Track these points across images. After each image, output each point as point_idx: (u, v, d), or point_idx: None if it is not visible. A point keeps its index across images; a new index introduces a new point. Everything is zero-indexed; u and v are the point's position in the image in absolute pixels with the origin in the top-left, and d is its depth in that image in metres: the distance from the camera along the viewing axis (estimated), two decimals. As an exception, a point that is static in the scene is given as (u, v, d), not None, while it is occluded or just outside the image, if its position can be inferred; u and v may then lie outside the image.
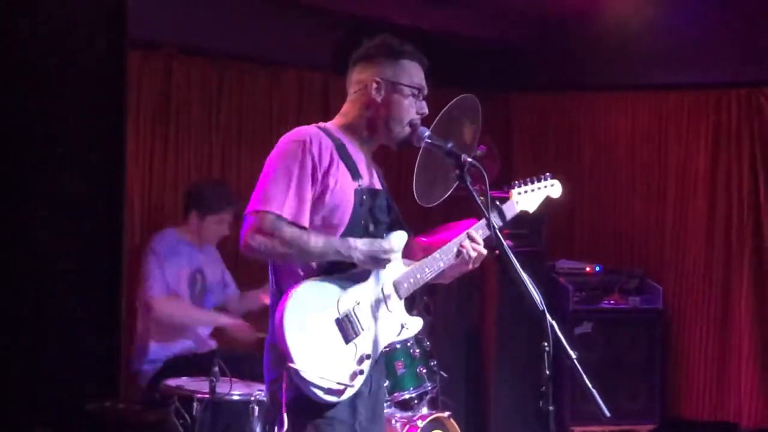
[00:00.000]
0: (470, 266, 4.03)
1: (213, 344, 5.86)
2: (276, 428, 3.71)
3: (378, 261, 3.76)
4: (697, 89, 8.85)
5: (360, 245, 3.70)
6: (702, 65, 8.59)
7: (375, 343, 3.89)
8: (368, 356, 3.83)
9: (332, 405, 3.72)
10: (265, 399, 4.54)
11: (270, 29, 7.26)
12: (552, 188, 4.51)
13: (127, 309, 5.70)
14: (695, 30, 8.42)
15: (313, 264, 3.75)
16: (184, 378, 5.55)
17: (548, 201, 4.52)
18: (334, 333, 3.75)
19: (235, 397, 5.31)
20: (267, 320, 3.88)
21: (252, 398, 5.03)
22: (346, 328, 3.77)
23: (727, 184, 8.74)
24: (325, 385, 3.68)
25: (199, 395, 5.31)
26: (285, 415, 3.67)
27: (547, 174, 4.53)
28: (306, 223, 3.69)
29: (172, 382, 5.52)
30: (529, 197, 4.41)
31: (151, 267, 5.88)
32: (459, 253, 3.98)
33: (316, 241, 3.66)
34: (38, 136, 1.34)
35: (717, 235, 8.76)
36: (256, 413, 5.00)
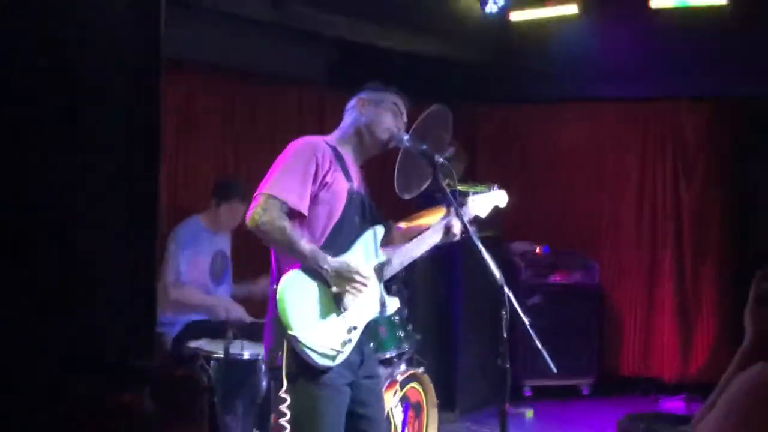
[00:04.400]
0: (456, 239, 4.12)
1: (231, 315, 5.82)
2: (277, 389, 3.72)
3: (342, 277, 3.72)
4: (629, 102, 8.91)
5: (336, 262, 3.70)
6: (634, 82, 8.62)
7: (360, 317, 3.88)
8: (355, 328, 3.83)
9: (327, 369, 3.70)
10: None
11: (274, 51, 7.23)
12: (499, 198, 4.56)
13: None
14: (629, 53, 8.44)
15: None
16: (202, 341, 5.55)
17: (497, 209, 4.59)
18: (326, 308, 3.75)
19: (246, 357, 5.31)
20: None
21: (259, 357, 5.01)
22: (338, 304, 3.76)
23: (653, 180, 8.85)
24: (320, 350, 3.67)
25: (216, 355, 5.33)
26: (285, 376, 3.68)
27: (496, 185, 4.59)
28: (305, 210, 3.72)
29: (193, 344, 5.56)
30: (480, 202, 4.45)
31: (170, 255, 5.86)
32: (448, 230, 4.07)
33: (303, 246, 3.65)
34: (91, 142, 1.32)
35: (644, 222, 8.86)
36: (263, 370, 4.98)
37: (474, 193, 4.43)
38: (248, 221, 3.67)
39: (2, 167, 1.45)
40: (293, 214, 3.72)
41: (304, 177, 3.72)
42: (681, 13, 8.01)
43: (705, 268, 8.68)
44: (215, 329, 5.57)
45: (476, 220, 4.43)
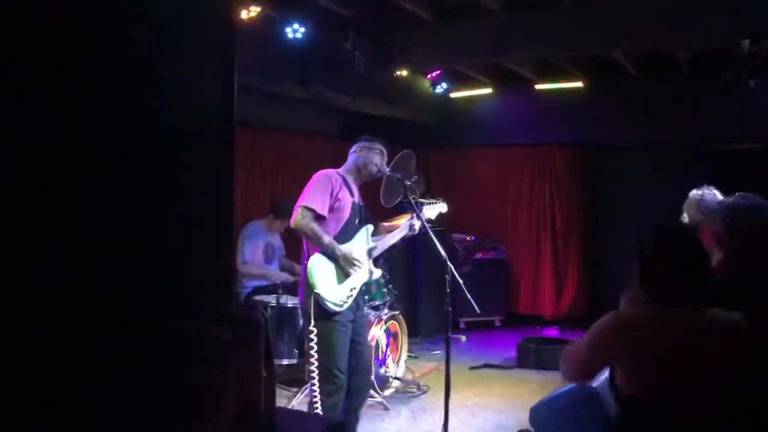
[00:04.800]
0: (417, 232, 4.13)
1: (278, 281, 5.74)
2: (308, 325, 3.76)
3: (347, 259, 3.77)
4: (522, 146, 8.80)
5: (344, 250, 3.77)
6: (525, 134, 8.56)
7: (357, 281, 3.88)
8: (354, 288, 3.85)
9: (338, 312, 3.74)
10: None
11: (303, 114, 7.15)
12: (442, 206, 4.52)
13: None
14: (522, 116, 8.43)
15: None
16: (263, 296, 5.50)
17: (441, 215, 4.56)
18: (337, 276, 3.79)
19: (290, 305, 5.26)
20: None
21: (298, 306, 4.92)
22: (345, 274, 3.81)
23: (537, 196, 8.76)
24: (333, 301, 3.72)
25: (271, 304, 5.33)
26: (312, 317, 3.73)
27: (441, 199, 4.59)
28: (326, 215, 3.76)
29: (257, 297, 5.57)
30: (431, 210, 4.43)
31: (240, 244, 5.81)
32: (411, 227, 4.09)
33: (326, 240, 3.72)
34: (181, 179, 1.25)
35: (532, 220, 8.80)
36: (300, 315, 4.89)
37: (428, 204, 4.43)
38: (293, 224, 3.75)
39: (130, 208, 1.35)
40: (319, 217, 3.74)
41: (324, 194, 3.76)
42: (554, 91, 8.02)
43: (569, 247, 8.65)
44: (270, 289, 5.56)
45: (428, 221, 4.42)
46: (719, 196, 3.79)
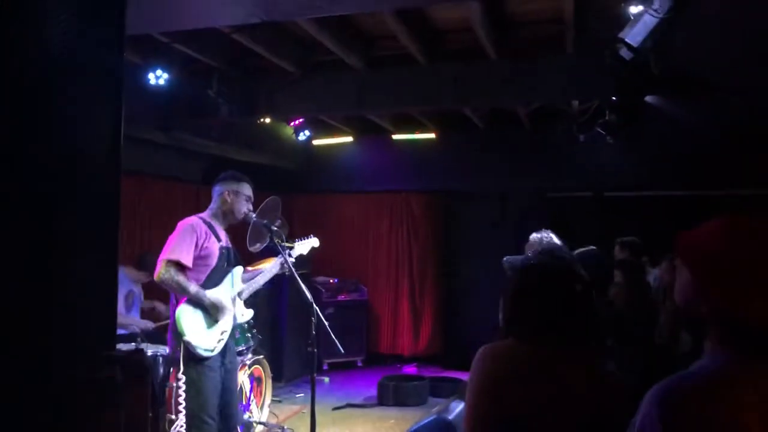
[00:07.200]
0: (285, 272, 4.10)
1: (137, 329, 5.53)
2: (176, 372, 3.69)
3: (214, 306, 3.75)
4: (380, 192, 9.08)
5: (211, 297, 3.74)
6: (382, 181, 8.87)
7: (228, 325, 3.86)
8: (224, 331, 3.81)
9: (208, 357, 3.70)
10: (166, 355, 4.58)
11: (165, 159, 7.03)
12: (314, 241, 4.58)
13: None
14: (380, 164, 8.73)
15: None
16: (121, 345, 5.28)
17: (313, 249, 4.59)
18: (205, 322, 3.75)
19: (149, 353, 5.11)
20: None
21: (159, 355, 4.77)
22: (213, 319, 3.77)
23: (396, 239, 9.05)
24: (203, 346, 3.67)
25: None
26: (181, 364, 3.66)
27: (311, 234, 4.61)
28: (191, 265, 3.71)
29: (118, 346, 5.25)
30: (303, 246, 4.47)
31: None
32: (282, 266, 4.08)
33: (192, 289, 3.67)
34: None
35: (391, 262, 9.05)
36: (161, 363, 4.75)
37: (298, 240, 4.45)
38: (156, 278, 3.67)
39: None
40: (184, 268, 3.68)
41: (189, 245, 3.69)
42: (409, 142, 8.43)
43: (426, 287, 8.95)
44: (129, 338, 5.34)
45: (300, 258, 4.47)
46: (555, 239, 4.22)
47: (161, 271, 3.62)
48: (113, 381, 1.25)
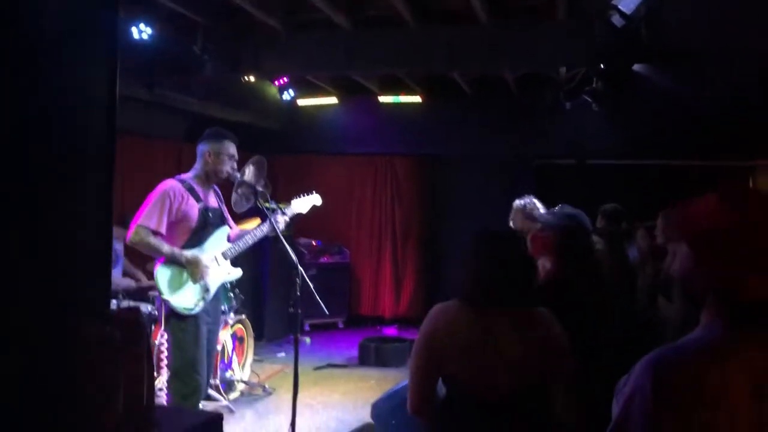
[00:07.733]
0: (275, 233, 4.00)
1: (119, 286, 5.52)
2: (159, 330, 3.72)
3: (192, 264, 3.75)
4: (365, 155, 9.06)
5: (188, 255, 3.74)
6: (368, 144, 8.81)
7: (213, 284, 3.85)
8: (207, 291, 3.80)
9: (190, 315, 3.71)
10: (148, 313, 4.74)
11: (147, 116, 6.91)
12: (315, 198, 4.52)
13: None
14: (365, 127, 8.68)
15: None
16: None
17: (314, 208, 4.50)
18: (182, 280, 3.75)
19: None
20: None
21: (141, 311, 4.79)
22: (193, 278, 3.76)
23: (380, 202, 9.08)
24: (183, 305, 3.70)
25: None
26: (163, 320, 3.73)
27: (313, 191, 4.55)
28: (164, 231, 3.70)
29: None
30: (302, 204, 4.40)
31: None
32: (273, 227, 3.95)
33: (166, 249, 3.69)
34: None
35: (374, 225, 9.09)
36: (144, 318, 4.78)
37: (297, 197, 4.36)
38: (129, 241, 3.70)
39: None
40: (157, 232, 3.68)
41: (162, 212, 3.67)
42: (395, 105, 8.37)
43: (408, 250, 9.02)
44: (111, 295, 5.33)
45: (299, 217, 4.39)
46: (539, 205, 4.23)
47: (133, 235, 3.64)
48: (112, 339, 1.26)
